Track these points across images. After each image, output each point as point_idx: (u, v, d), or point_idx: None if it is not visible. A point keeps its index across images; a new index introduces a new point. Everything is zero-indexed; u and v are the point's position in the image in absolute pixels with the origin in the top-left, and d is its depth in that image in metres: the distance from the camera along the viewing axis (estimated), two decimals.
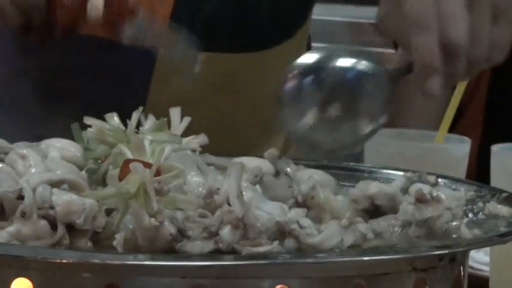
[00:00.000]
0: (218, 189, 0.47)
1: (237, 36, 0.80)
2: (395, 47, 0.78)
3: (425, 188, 0.49)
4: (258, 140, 0.76)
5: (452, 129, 0.84)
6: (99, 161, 0.51)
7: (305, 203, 0.52)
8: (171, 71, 0.78)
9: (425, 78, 0.57)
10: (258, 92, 0.84)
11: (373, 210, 0.52)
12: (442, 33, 0.57)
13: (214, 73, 0.78)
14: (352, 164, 0.68)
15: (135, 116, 0.51)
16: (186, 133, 0.55)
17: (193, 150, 0.55)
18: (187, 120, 0.52)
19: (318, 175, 0.57)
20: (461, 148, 0.72)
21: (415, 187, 0.54)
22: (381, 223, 0.47)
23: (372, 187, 0.52)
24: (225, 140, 0.58)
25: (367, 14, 1.54)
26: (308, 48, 0.92)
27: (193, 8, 0.78)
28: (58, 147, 0.54)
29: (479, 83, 1.10)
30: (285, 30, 0.85)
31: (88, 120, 0.51)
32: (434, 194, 0.48)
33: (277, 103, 0.61)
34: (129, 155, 0.48)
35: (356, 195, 0.53)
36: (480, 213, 0.54)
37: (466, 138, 0.78)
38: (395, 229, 0.48)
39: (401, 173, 0.63)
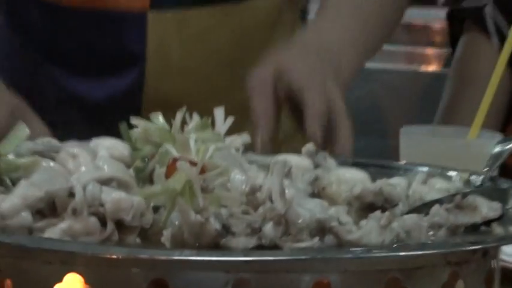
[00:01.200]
0: (261, 186, 0.49)
1: None
2: None
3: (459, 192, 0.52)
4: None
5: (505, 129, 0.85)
6: (146, 160, 0.53)
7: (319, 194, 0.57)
8: (162, 68, 0.86)
9: None
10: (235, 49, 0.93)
11: (368, 207, 0.56)
12: None
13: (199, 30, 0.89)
14: (388, 161, 0.70)
15: (179, 115, 0.54)
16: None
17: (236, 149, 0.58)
18: (230, 120, 0.55)
19: (351, 172, 0.60)
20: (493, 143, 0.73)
21: (433, 181, 0.57)
22: (407, 222, 0.50)
23: (356, 188, 0.55)
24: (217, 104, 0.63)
25: None
26: (302, 20, 1.00)
27: None
28: (106, 146, 0.56)
29: None
30: None
31: (134, 120, 0.54)
32: (471, 201, 0.51)
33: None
34: (175, 153, 0.50)
35: (348, 198, 0.57)
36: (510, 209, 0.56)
37: (498, 134, 0.79)
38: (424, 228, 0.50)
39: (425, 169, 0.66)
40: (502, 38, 0.94)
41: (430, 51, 1.33)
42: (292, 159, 0.60)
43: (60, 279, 0.48)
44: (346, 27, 0.80)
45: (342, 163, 0.64)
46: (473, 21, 1.00)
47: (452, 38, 1.08)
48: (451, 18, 1.07)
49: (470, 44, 1.02)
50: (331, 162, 0.62)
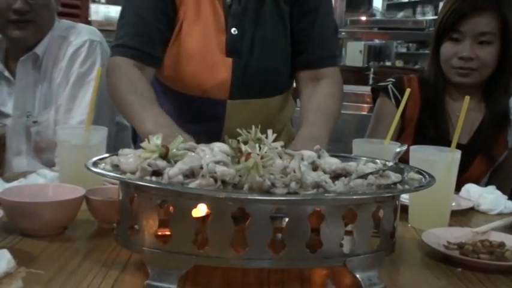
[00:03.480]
0: (288, 165, 0.91)
1: (261, 91, 1.62)
2: None
3: (377, 167, 0.95)
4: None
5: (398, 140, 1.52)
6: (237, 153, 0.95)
7: (316, 169, 0.98)
8: (232, 122, 1.55)
9: None
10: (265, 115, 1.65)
11: (338, 175, 0.95)
12: None
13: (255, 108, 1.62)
14: (348, 155, 1.14)
15: (254, 131, 0.99)
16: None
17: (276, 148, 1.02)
18: (274, 135, 1.00)
19: (334, 160, 1.01)
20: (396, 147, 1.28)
21: (369, 164, 0.99)
22: (357, 182, 0.90)
23: (333, 166, 0.94)
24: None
25: None
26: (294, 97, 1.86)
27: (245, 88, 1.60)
28: (218, 146, 0.97)
29: None
30: (282, 88, 1.71)
31: (226, 136, 0.99)
32: (386, 173, 0.92)
33: None
34: (250, 150, 0.91)
35: (329, 171, 0.95)
36: (406, 177, 0.97)
37: (398, 143, 1.38)
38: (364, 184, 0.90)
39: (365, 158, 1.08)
40: (396, 100, 1.79)
41: (365, 105, 2.31)
42: (305, 152, 1.02)
43: (195, 207, 0.85)
44: (320, 132, 1.44)
45: (332, 155, 1.06)
46: (383, 92, 1.86)
47: (373, 100, 1.94)
48: (373, 90, 1.99)
49: (381, 103, 1.88)
50: (325, 154, 1.05)
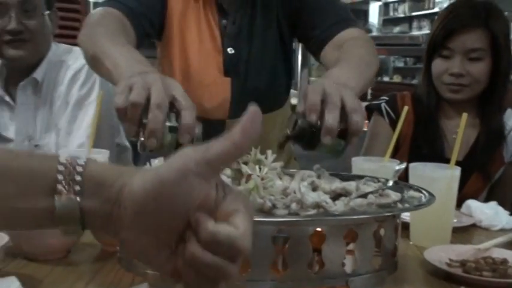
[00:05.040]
0: (288, 186, 0.93)
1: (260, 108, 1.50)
2: None
3: (376, 186, 0.96)
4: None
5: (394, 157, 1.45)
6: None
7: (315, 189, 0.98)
8: None
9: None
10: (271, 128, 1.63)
11: (338, 195, 0.95)
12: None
13: None
14: (347, 173, 1.14)
15: (254, 152, 0.98)
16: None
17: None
18: (273, 156, 1.00)
19: (333, 178, 1.03)
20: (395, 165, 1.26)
21: (368, 183, 0.99)
22: (357, 202, 0.91)
23: (332, 186, 0.95)
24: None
25: None
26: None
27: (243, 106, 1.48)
28: None
29: None
30: (282, 101, 1.72)
31: None
32: (386, 192, 0.93)
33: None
34: (250, 172, 0.93)
35: (329, 191, 0.95)
36: (406, 195, 0.98)
37: (397, 160, 1.34)
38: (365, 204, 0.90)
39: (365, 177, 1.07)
40: (390, 119, 1.85)
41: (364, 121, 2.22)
42: (305, 172, 1.03)
43: None
44: (349, 73, 1.25)
45: (332, 174, 1.07)
46: (376, 110, 1.90)
47: (368, 118, 1.97)
48: (367, 108, 1.95)
49: (375, 121, 1.91)
50: (325, 173, 1.06)
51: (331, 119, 1.02)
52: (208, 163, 0.57)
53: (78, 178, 0.59)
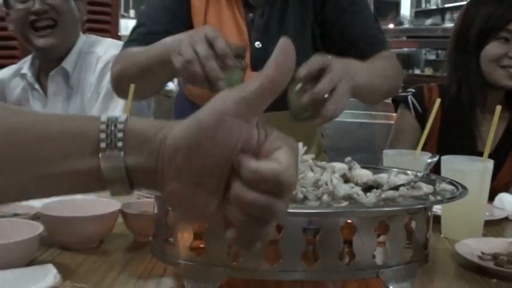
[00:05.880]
0: (320, 178, 0.93)
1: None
2: None
3: (408, 178, 0.96)
4: None
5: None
6: None
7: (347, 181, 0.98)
8: (266, 120, 1.53)
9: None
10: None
11: (370, 187, 0.95)
12: None
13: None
14: (379, 166, 1.15)
15: (300, 146, 0.98)
16: None
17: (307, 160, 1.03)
18: (304, 148, 1.01)
19: (365, 171, 1.02)
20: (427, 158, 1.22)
21: (400, 175, 0.99)
22: (389, 194, 0.91)
23: (364, 178, 0.96)
24: None
25: None
26: None
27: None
28: None
29: None
30: None
31: None
32: (418, 184, 0.93)
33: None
34: None
35: (361, 183, 0.97)
36: (438, 188, 0.98)
37: (429, 153, 1.32)
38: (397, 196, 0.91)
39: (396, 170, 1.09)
40: (416, 112, 1.83)
41: (394, 114, 2.07)
42: (336, 164, 1.03)
43: None
44: (363, 71, 1.27)
45: (362, 167, 1.07)
46: (403, 103, 1.87)
47: (395, 109, 1.96)
48: (394, 100, 1.94)
49: (401, 114, 1.89)
50: (356, 165, 1.06)
51: (322, 85, 1.11)
52: (246, 102, 0.56)
53: (120, 135, 0.59)
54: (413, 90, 1.93)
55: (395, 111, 1.95)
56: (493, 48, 1.81)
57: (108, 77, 1.95)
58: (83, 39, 2.03)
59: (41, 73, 2.04)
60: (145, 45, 1.43)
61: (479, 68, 1.83)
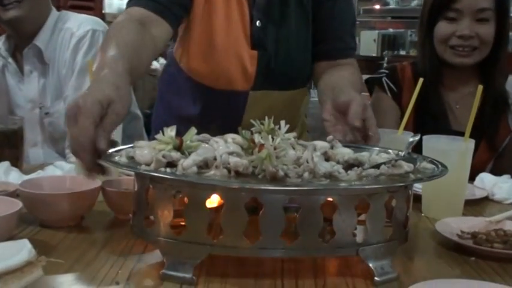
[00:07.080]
0: (301, 156, 0.93)
1: (283, 84, 1.61)
2: None
3: (390, 157, 0.95)
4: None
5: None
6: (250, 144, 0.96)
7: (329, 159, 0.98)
8: (258, 98, 1.56)
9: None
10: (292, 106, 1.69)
11: (351, 165, 0.95)
12: None
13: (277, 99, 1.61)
14: (360, 145, 1.15)
15: (267, 122, 0.99)
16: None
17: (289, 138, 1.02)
18: (287, 126, 1.00)
19: (346, 150, 1.02)
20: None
21: (381, 154, 0.99)
22: (370, 172, 0.91)
23: (345, 156, 0.95)
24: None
25: None
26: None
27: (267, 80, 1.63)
28: (232, 137, 0.99)
29: None
30: (303, 81, 1.70)
31: (239, 128, 1.00)
32: (399, 163, 0.92)
33: None
34: (262, 141, 0.92)
35: (342, 161, 0.96)
36: (418, 167, 0.97)
37: (410, 132, 1.34)
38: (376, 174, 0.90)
39: (378, 148, 1.09)
40: (392, 92, 1.83)
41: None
42: (318, 143, 1.03)
43: (209, 197, 0.86)
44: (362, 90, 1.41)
45: (345, 146, 1.07)
46: (377, 85, 1.88)
47: (369, 92, 1.95)
48: (367, 82, 1.94)
49: (376, 97, 1.89)
50: (338, 144, 1.06)
51: (376, 133, 1.22)
52: None
53: None
54: (387, 71, 1.92)
55: (370, 93, 1.94)
56: (441, 28, 1.81)
57: (82, 52, 1.93)
58: (56, 15, 2.00)
59: (17, 52, 2.02)
60: (145, 7, 1.42)
61: (433, 47, 1.83)
